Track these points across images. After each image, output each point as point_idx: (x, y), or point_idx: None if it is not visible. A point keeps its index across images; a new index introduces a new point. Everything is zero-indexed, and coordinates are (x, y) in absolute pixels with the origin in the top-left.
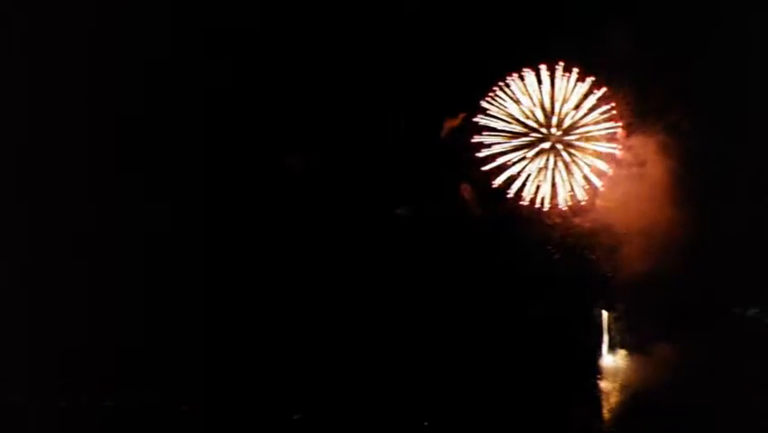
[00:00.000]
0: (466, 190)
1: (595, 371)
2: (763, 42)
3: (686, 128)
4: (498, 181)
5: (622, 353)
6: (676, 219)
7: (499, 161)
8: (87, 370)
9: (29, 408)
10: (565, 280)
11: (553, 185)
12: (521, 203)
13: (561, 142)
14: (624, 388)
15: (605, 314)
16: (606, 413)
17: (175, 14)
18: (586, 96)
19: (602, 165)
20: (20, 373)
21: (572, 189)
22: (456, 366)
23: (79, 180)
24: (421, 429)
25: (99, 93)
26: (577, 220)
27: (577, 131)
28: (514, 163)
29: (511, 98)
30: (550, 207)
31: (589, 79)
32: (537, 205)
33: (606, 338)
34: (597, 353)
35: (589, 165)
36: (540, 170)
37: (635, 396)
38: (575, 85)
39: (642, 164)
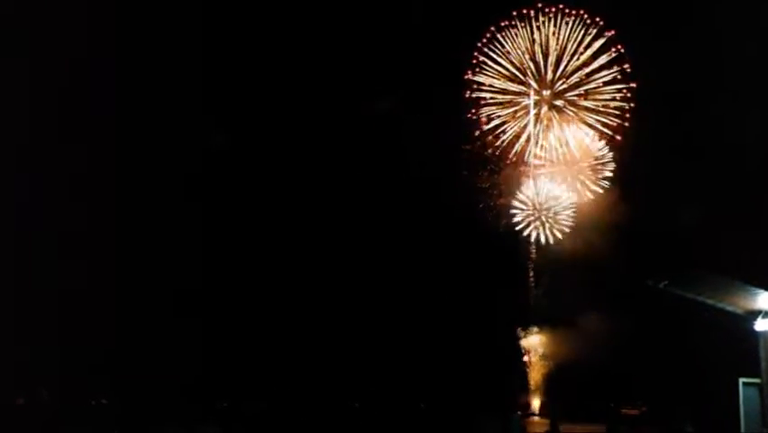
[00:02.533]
0: None
1: (520, 343)
2: None
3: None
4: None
5: (548, 326)
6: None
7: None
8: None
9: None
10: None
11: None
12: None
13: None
14: (548, 357)
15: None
16: (532, 384)
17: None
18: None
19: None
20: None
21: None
22: (388, 343)
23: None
24: (352, 410)
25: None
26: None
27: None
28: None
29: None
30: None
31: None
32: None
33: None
34: (524, 327)
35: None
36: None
37: (561, 367)
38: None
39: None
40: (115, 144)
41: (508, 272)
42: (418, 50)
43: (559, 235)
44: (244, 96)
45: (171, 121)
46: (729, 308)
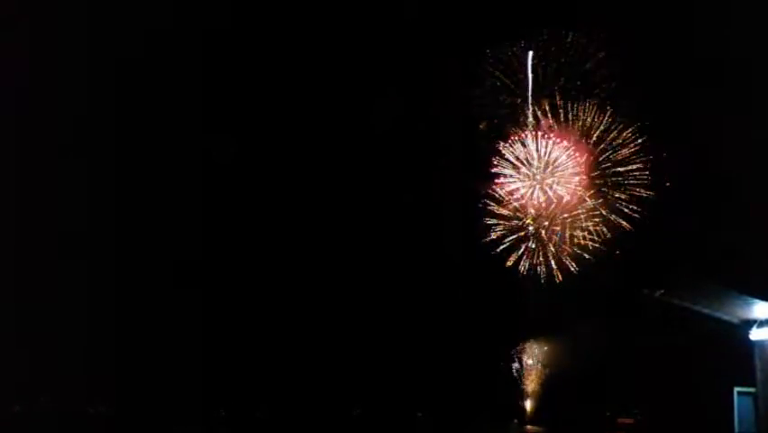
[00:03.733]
0: None
1: (517, 352)
2: None
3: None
4: None
5: (544, 334)
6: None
7: None
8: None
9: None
10: (491, 266)
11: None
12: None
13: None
14: (544, 366)
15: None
16: (527, 391)
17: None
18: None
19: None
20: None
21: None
22: (382, 348)
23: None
24: (351, 418)
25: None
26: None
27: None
28: None
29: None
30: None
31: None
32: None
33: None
34: (519, 333)
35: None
36: None
37: (554, 374)
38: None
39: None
40: (116, 143)
41: (504, 280)
42: (421, 59)
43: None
44: (246, 95)
45: (174, 118)
46: (724, 318)
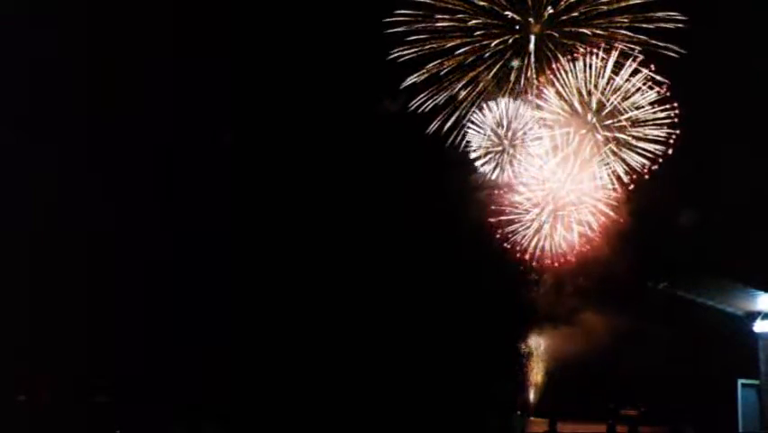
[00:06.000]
0: None
1: (520, 344)
2: None
3: None
4: None
5: (548, 325)
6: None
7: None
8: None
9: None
10: (497, 255)
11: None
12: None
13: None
14: (548, 358)
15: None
16: (530, 383)
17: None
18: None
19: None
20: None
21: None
22: (388, 341)
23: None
24: (352, 409)
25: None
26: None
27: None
28: None
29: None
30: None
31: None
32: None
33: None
34: (523, 325)
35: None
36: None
37: (561, 367)
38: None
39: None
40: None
41: (509, 271)
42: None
43: None
44: (250, 93)
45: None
46: (729, 310)
